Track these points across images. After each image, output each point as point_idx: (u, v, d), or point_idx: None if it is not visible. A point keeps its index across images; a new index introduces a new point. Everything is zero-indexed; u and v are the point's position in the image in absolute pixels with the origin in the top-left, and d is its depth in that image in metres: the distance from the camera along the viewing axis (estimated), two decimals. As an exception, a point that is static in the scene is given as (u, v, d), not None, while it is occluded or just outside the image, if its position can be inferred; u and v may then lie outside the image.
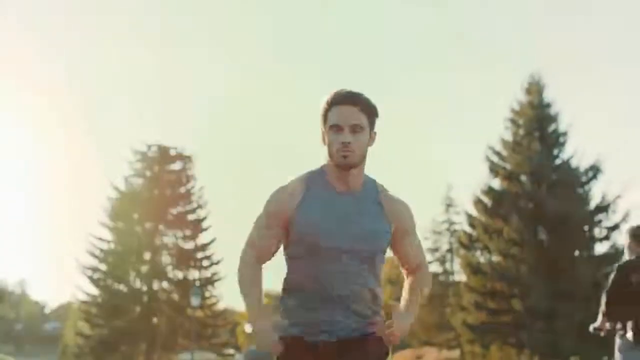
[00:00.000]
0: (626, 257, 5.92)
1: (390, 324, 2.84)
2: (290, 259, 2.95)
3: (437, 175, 66.24)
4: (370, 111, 2.91)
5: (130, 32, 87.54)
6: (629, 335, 5.69)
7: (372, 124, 2.92)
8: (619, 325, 5.78)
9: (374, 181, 3.00)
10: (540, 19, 74.35)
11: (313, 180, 2.95)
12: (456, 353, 36.14)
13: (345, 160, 2.85)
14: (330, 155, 2.91)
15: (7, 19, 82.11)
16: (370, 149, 2.95)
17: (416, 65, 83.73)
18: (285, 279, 2.98)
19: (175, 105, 78.60)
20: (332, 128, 2.87)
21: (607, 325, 5.90)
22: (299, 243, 2.89)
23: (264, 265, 3.05)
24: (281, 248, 2.99)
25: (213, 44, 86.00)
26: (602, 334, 6.03)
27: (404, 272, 3.08)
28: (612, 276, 5.77)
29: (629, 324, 5.70)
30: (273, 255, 3.00)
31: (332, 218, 2.86)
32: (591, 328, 6.18)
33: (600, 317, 5.96)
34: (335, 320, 2.86)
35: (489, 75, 74.54)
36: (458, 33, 78.49)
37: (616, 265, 5.89)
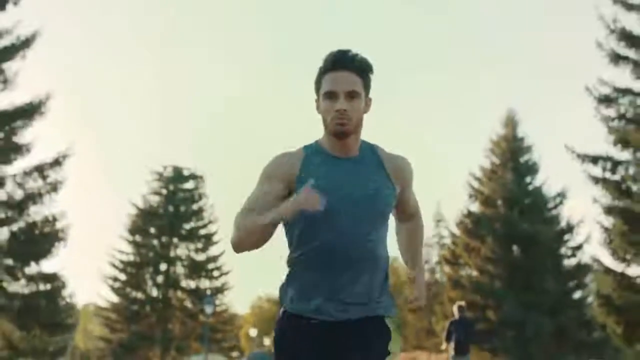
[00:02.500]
0: (455, 316, 13.00)
1: (416, 297, 3.21)
2: (293, 230, 2.98)
3: (430, 189, 72.01)
4: (366, 74, 2.95)
5: (131, 37, 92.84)
6: (452, 353, 12.89)
7: (367, 88, 2.96)
8: (449, 346, 12.37)
9: (371, 145, 3.07)
10: (540, 20, 79.59)
11: (310, 149, 3.01)
12: (444, 356, 41.99)
13: (342, 129, 2.89)
14: (325, 123, 2.94)
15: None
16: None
17: (415, 68, 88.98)
18: (290, 253, 3.01)
19: (187, 125, 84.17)
20: (327, 95, 2.90)
21: (448, 347, 12.47)
22: (302, 212, 2.80)
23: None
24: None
25: (218, 57, 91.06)
26: (446, 352, 12.79)
27: (396, 217, 3.27)
28: (446, 325, 12.44)
29: (452, 345, 12.73)
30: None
31: (334, 180, 2.91)
32: (441, 348, 12.92)
33: (444, 343, 12.81)
34: (341, 291, 2.90)
35: (486, 78, 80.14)
36: (457, 36, 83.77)
37: (447, 322, 12.60)
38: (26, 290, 22.13)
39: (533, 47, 79.73)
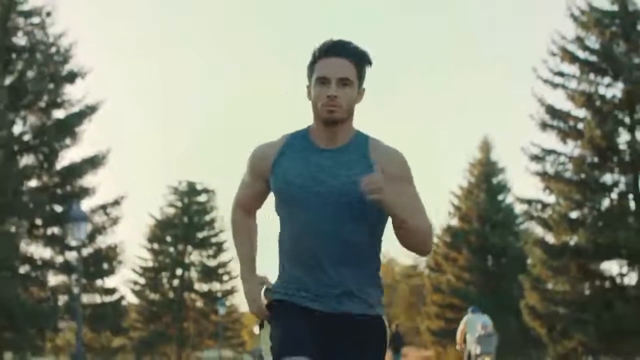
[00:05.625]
0: (393, 330, 21.80)
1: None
2: (277, 216, 3.19)
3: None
4: (361, 62, 3.07)
5: (136, 43, 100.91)
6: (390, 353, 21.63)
7: (361, 77, 3.09)
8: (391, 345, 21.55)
9: (365, 136, 3.13)
10: (537, 21, 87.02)
11: (294, 137, 3.16)
12: (431, 352, 50.58)
13: (331, 115, 3.00)
14: (315, 110, 3.06)
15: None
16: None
17: (416, 70, 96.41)
18: (278, 242, 3.20)
19: (199, 145, 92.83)
20: (319, 80, 3.02)
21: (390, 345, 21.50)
22: (277, 199, 3.14)
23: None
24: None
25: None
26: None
27: None
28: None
29: (390, 344, 21.29)
30: (260, 204, 3.33)
31: (305, 172, 3.06)
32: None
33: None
34: (318, 284, 3.05)
35: (486, 78, 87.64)
36: (457, 38, 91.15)
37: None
38: (95, 301, 30.95)
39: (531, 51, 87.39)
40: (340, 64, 3.02)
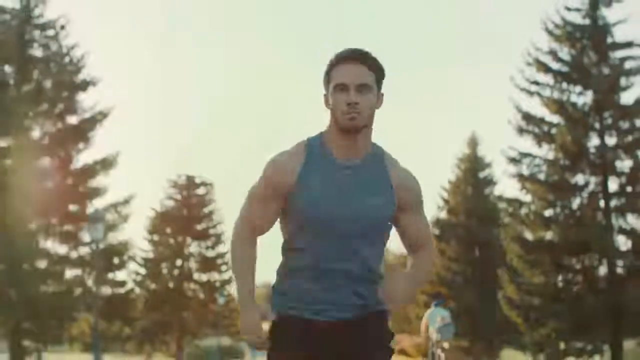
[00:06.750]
0: None
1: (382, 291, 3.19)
2: (289, 235, 3.22)
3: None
4: (378, 70, 3.15)
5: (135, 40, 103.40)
6: None
7: (379, 84, 3.16)
8: None
9: (382, 151, 3.24)
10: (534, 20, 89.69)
11: (312, 148, 3.17)
12: (421, 339, 53.72)
13: (353, 123, 3.06)
14: (335, 118, 3.11)
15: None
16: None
17: (409, 62, 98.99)
18: (285, 257, 3.26)
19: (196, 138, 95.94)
20: (337, 87, 3.09)
21: None
22: (298, 219, 3.14)
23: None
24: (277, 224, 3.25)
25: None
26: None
27: (406, 249, 3.38)
28: None
29: None
30: (271, 226, 3.27)
31: (332, 192, 3.09)
32: None
33: None
34: (337, 298, 3.14)
35: (485, 73, 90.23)
36: (450, 31, 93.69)
37: None
38: (107, 293, 34.20)
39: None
40: (359, 70, 3.10)
